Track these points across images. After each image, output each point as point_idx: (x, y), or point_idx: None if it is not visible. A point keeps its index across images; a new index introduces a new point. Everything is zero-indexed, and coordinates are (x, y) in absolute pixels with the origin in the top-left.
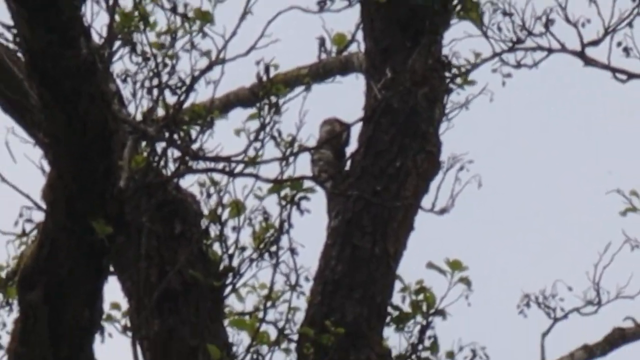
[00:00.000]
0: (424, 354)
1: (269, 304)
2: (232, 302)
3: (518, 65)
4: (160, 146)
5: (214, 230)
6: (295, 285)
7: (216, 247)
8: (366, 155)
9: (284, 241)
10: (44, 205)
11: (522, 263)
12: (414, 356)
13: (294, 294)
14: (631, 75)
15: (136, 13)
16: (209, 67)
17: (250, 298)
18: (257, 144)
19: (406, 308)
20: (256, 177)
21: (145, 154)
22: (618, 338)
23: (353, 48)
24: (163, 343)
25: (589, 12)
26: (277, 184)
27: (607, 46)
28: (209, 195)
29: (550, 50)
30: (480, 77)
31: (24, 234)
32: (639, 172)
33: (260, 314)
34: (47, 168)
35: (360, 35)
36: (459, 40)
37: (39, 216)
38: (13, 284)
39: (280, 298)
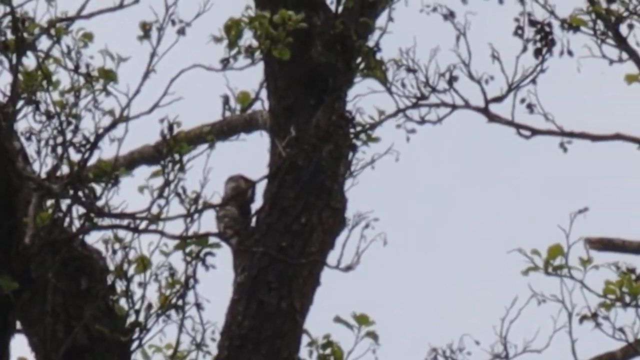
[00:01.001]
0: None
1: None
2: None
3: (422, 121)
4: (65, 203)
5: (120, 286)
6: (201, 345)
7: (123, 302)
8: (271, 212)
9: (190, 296)
10: None
11: (429, 317)
12: None
13: (200, 354)
14: (535, 132)
15: (39, 72)
16: (113, 125)
17: (156, 357)
18: (162, 201)
19: None
20: (161, 233)
21: (50, 211)
22: None
23: (257, 106)
24: None
25: (492, 69)
26: (183, 240)
27: (511, 102)
28: (114, 252)
29: (454, 107)
30: (385, 134)
31: None
32: (542, 229)
33: None
34: None
35: (264, 94)
36: (363, 96)
37: None
38: None
39: (186, 357)
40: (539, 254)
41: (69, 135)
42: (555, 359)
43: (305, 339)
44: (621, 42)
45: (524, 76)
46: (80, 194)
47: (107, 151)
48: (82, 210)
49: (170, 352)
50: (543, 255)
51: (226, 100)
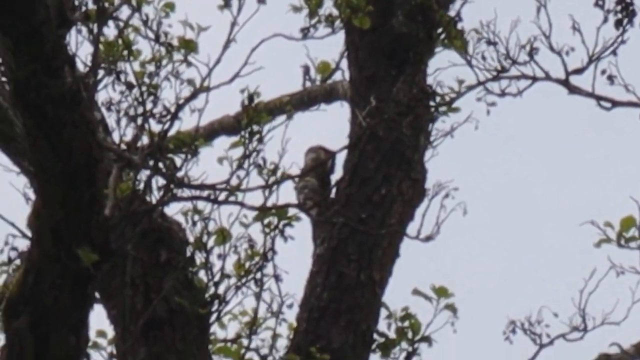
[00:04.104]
0: None
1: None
2: (215, 330)
3: (502, 93)
4: (145, 174)
5: (199, 258)
6: (279, 313)
7: (202, 274)
8: (351, 183)
9: (269, 268)
10: (29, 234)
11: (507, 289)
12: None
13: (277, 321)
14: (616, 103)
15: (120, 42)
16: (193, 95)
17: (232, 325)
18: (241, 172)
19: (392, 335)
20: (241, 204)
21: (130, 182)
22: None
23: (337, 76)
24: None
25: (573, 41)
26: (262, 212)
27: (592, 74)
28: (194, 223)
29: (534, 79)
30: (464, 105)
31: (9, 261)
32: (622, 200)
33: (244, 341)
34: (32, 196)
35: (344, 64)
36: (444, 69)
37: (24, 244)
38: None
39: (262, 325)
40: (611, 226)
41: (149, 106)
42: (634, 330)
43: (383, 312)
44: None
45: (604, 47)
46: (160, 165)
47: (187, 122)
48: (162, 181)
49: (245, 318)
50: (616, 228)
51: (307, 70)
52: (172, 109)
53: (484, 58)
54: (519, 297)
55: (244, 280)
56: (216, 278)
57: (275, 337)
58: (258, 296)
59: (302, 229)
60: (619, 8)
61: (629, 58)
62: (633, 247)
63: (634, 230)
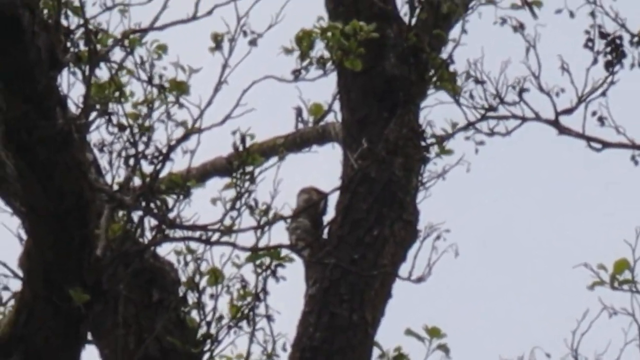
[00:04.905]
0: None
1: None
2: None
3: (491, 132)
4: (137, 215)
5: (191, 298)
6: (272, 355)
7: (194, 314)
8: (343, 224)
9: (261, 308)
10: (21, 274)
11: (500, 330)
12: None
13: None
14: (606, 144)
15: (112, 84)
16: (185, 137)
17: None
18: (234, 213)
19: None
20: (233, 245)
21: (122, 222)
22: None
23: (330, 118)
24: None
25: (562, 81)
26: (255, 253)
27: (582, 115)
28: (186, 263)
29: (524, 119)
30: (454, 145)
31: (0, 302)
32: (613, 241)
33: None
34: (24, 237)
35: (337, 105)
36: (431, 107)
37: (16, 284)
38: None
39: None
40: (605, 269)
41: (141, 147)
42: None
43: (376, 352)
44: None
45: (594, 88)
46: (152, 205)
47: (179, 163)
48: (154, 222)
49: (237, 357)
50: (609, 270)
51: (299, 112)
52: (164, 150)
53: (472, 97)
54: (511, 338)
55: (236, 319)
56: (208, 318)
57: None
58: (251, 336)
59: (294, 270)
60: (608, 49)
61: (620, 99)
62: (626, 289)
63: (627, 273)
